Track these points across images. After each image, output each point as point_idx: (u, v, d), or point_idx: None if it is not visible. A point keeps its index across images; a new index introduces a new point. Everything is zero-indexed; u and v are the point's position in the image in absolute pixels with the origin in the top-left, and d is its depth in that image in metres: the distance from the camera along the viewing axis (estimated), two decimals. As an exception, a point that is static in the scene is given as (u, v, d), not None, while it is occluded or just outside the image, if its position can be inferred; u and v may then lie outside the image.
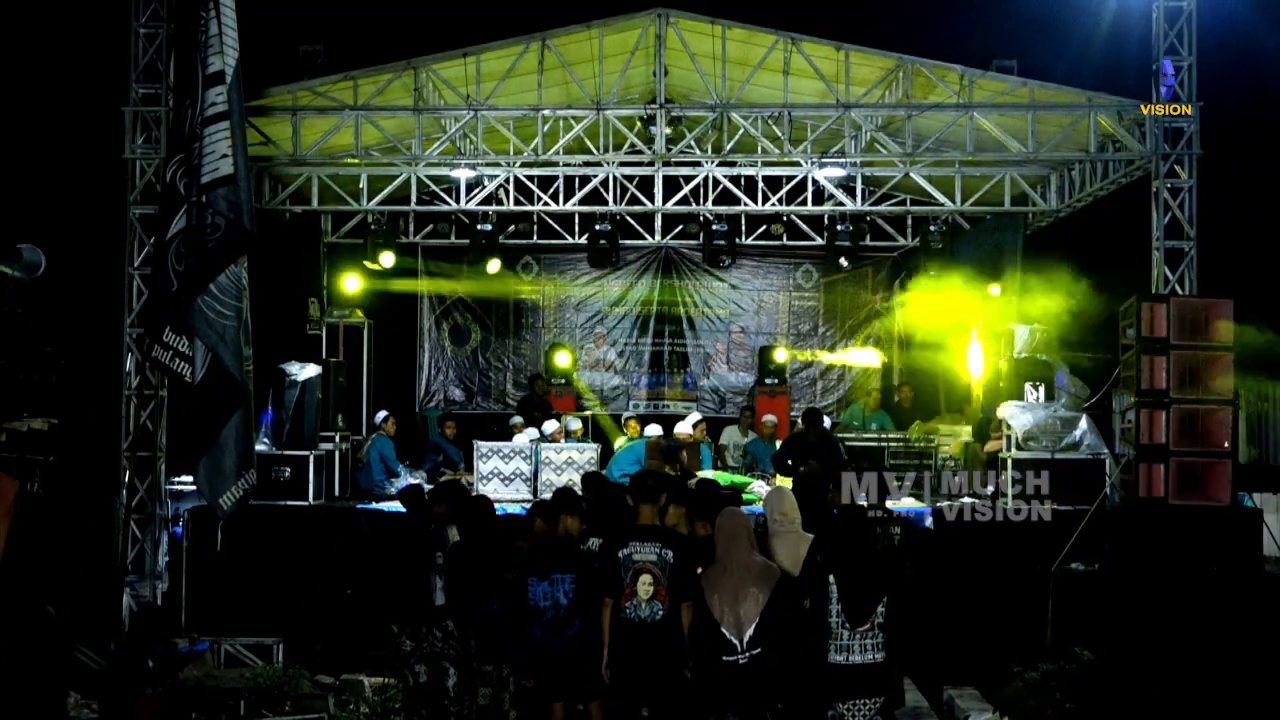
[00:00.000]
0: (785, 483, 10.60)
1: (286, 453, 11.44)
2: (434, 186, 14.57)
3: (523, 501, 10.98)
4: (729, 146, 12.64)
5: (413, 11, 15.76)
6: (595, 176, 14.39)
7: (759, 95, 12.84)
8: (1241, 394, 11.20)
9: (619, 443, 13.37)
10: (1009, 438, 11.23)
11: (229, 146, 8.59)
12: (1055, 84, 12.19)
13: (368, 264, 15.40)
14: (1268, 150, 14.33)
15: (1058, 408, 11.38)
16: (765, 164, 13.67)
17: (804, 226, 15.98)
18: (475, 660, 7.72)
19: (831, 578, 6.25)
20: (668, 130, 12.51)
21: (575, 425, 14.09)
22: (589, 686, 7.04)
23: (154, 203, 10.91)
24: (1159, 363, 10.29)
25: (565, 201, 14.63)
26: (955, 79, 12.22)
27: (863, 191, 14.26)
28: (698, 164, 13.60)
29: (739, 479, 11.65)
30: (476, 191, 14.66)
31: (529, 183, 14.87)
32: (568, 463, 11.75)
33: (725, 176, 14.06)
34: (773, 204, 14.50)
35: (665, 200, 14.24)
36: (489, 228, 14.43)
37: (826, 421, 13.72)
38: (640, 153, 12.79)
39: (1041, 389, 11.56)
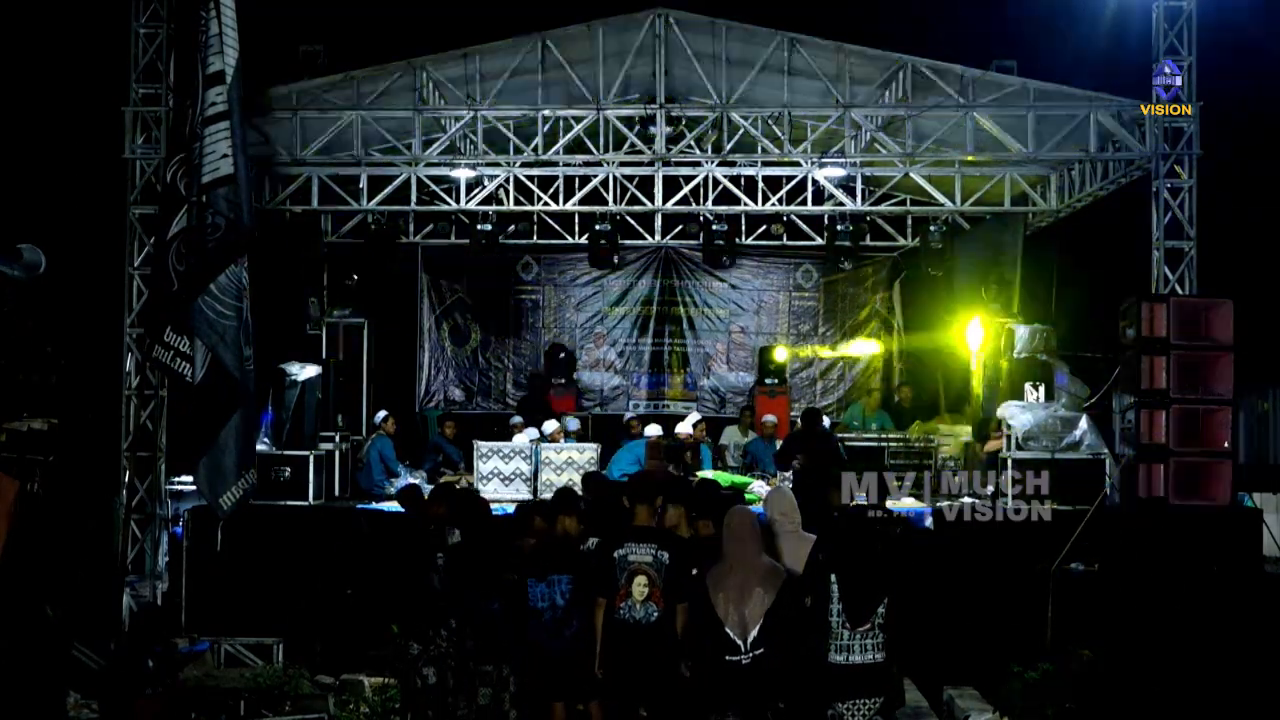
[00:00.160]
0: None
1: (286, 453, 11.43)
2: (434, 186, 14.56)
3: (531, 501, 10.97)
4: (729, 146, 12.63)
5: (413, 11, 15.78)
6: (595, 176, 14.38)
7: (759, 95, 12.83)
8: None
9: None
10: (1009, 438, 11.22)
11: (229, 146, 8.61)
12: (1055, 84, 12.18)
13: (368, 264, 15.40)
14: (1268, 150, 14.35)
15: (1058, 408, 11.38)
16: (765, 164, 13.67)
17: (804, 226, 15.97)
18: (475, 660, 7.72)
19: (833, 577, 6.25)
20: (668, 130, 12.51)
21: (574, 425, 14.10)
22: (588, 686, 7.04)
23: (154, 203, 10.91)
24: (1159, 363, 10.29)
25: (565, 201, 14.63)
26: (955, 79, 12.21)
27: (863, 191, 14.25)
28: (698, 164, 13.59)
29: (739, 479, 11.65)
30: (476, 191, 14.65)
31: (529, 183, 14.86)
32: (568, 463, 11.75)
33: (725, 176, 14.06)
34: (773, 204, 14.49)
35: (665, 200, 14.23)
36: (489, 228, 14.43)
37: (826, 421, 13.73)
38: (640, 153, 12.78)
39: (1041, 389, 11.56)
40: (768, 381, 16.17)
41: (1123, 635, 9.07)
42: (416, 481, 11.03)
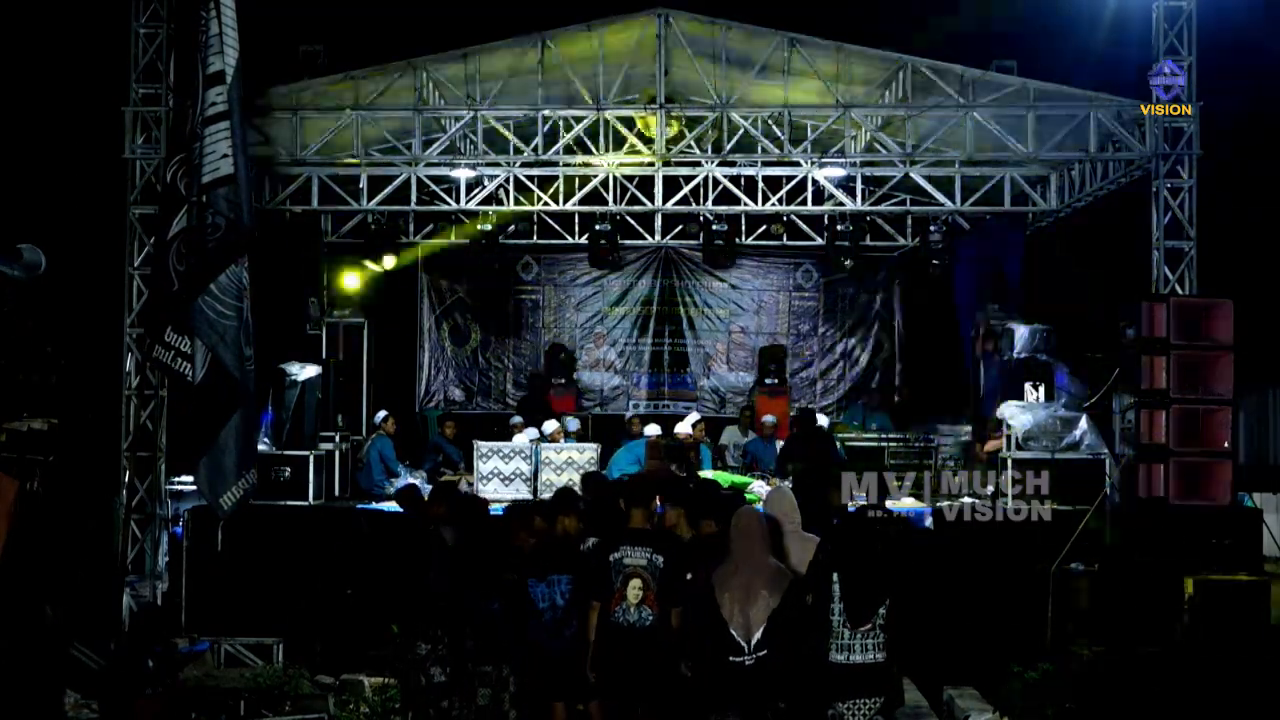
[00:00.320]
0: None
1: (286, 453, 11.45)
2: (434, 186, 14.56)
3: (532, 501, 10.97)
4: (729, 146, 12.63)
5: (413, 11, 15.78)
6: (595, 176, 14.38)
7: (759, 95, 12.83)
8: None
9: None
10: (1009, 438, 11.23)
11: (229, 146, 8.61)
12: (1055, 84, 12.17)
13: (368, 264, 15.41)
14: (1268, 150, 14.35)
15: (1058, 408, 11.39)
16: (765, 164, 13.65)
17: (804, 226, 15.97)
18: (474, 660, 7.72)
19: (835, 576, 6.24)
20: (668, 130, 12.51)
21: (574, 426, 14.10)
22: (589, 686, 7.04)
23: (154, 203, 10.90)
24: (1159, 363, 10.29)
25: (565, 201, 14.62)
26: (955, 79, 12.21)
27: (863, 191, 14.25)
28: (698, 164, 13.59)
29: (739, 479, 11.64)
30: (476, 191, 14.65)
31: (529, 183, 14.86)
32: (568, 463, 11.75)
33: (725, 176, 14.05)
34: (773, 204, 14.49)
35: (665, 200, 14.23)
36: (489, 228, 14.42)
37: (825, 421, 13.76)
38: (640, 153, 12.78)
39: (1041, 389, 11.57)
40: (768, 381, 16.18)
41: (1123, 635, 9.06)
42: (416, 481, 11.03)
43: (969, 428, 13.24)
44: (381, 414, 13.16)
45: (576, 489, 8.91)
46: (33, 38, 13.60)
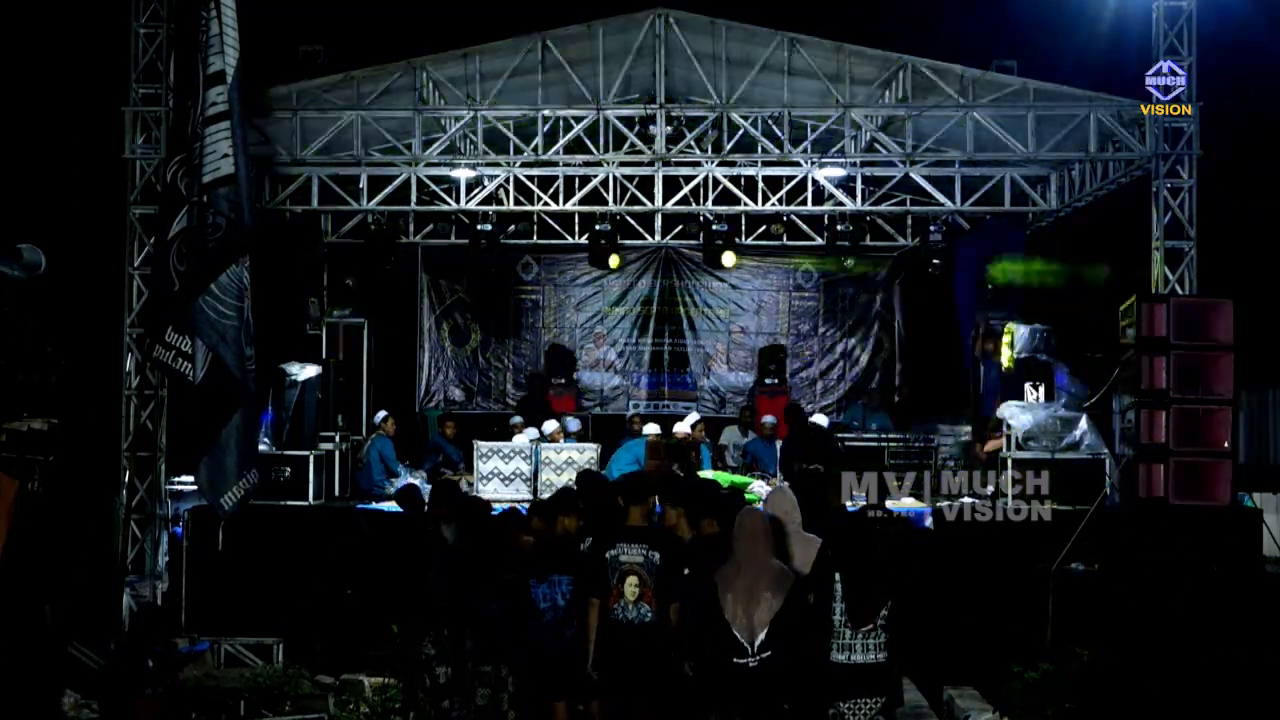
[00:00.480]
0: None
1: (286, 453, 11.45)
2: (434, 186, 14.56)
3: (522, 501, 10.98)
4: (729, 146, 12.64)
5: (412, 11, 15.77)
6: (595, 176, 14.38)
7: (759, 95, 12.83)
8: None
9: None
10: (1009, 438, 11.23)
11: (230, 146, 8.60)
12: (1055, 84, 12.18)
13: (368, 264, 15.39)
14: (1268, 150, 14.34)
15: (1058, 408, 11.38)
16: (765, 164, 13.66)
17: (804, 226, 15.98)
18: (474, 660, 7.72)
19: (837, 576, 6.24)
20: (668, 130, 12.52)
21: (575, 427, 14.10)
22: (590, 686, 7.04)
23: (154, 203, 10.91)
24: (1159, 363, 10.29)
25: (565, 201, 14.63)
26: (955, 79, 12.21)
27: (863, 191, 14.26)
28: (698, 164, 13.59)
29: (739, 479, 11.64)
30: (476, 191, 14.65)
31: (529, 183, 14.86)
32: (568, 463, 11.75)
33: (725, 176, 14.06)
34: (773, 204, 14.49)
35: (665, 200, 14.23)
36: (489, 228, 14.43)
37: (825, 420, 13.74)
38: (640, 153, 12.79)
39: (1041, 389, 11.57)
40: (768, 381, 16.19)
41: (1123, 635, 9.06)
42: (416, 481, 11.03)
43: (969, 428, 13.24)
44: (381, 414, 13.16)
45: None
46: (33, 38, 13.60)
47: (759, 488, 11.20)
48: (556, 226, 16.11)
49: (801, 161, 13.33)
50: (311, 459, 11.46)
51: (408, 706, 7.87)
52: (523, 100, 12.73)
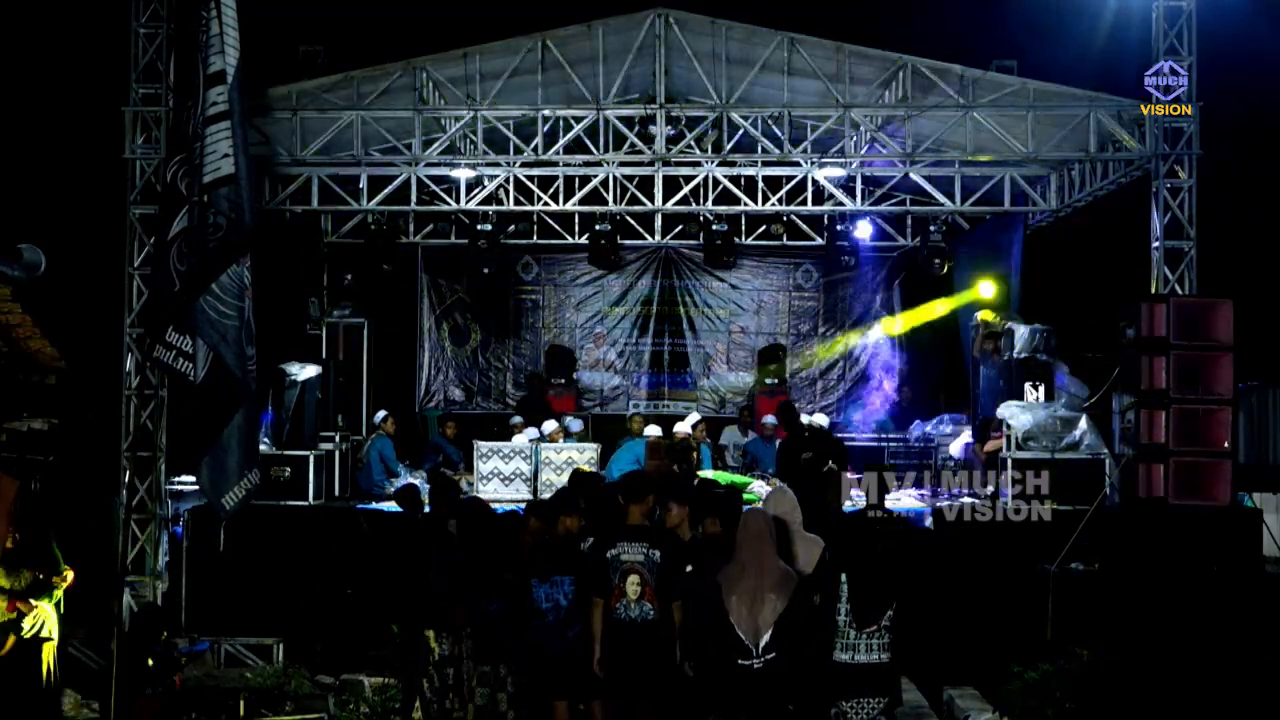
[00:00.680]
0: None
1: (286, 453, 11.46)
2: (434, 186, 14.56)
3: (522, 501, 10.98)
4: (729, 146, 12.63)
5: (412, 11, 15.77)
6: (595, 176, 14.38)
7: (759, 95, 12.83)
8: None
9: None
10: (1009, 438, 11.23)
11: (230, 146, 8.58)
12: (1055, 84, 12.17)
13: (368, 264, 15.37)
14: (1268, 150, 14.34)
15: (1058, 408, 11.38)
16: (765, 164, 13.66)
17: (804, 226, 15.97)
18: (474, 660, 7.72)
19: (843, 577, 6.24)
20: (668, 130, 12.52)
21: (577, 427, 14.10)
22: (590, 686, 7.05)
23: (154, 203, 10.90)
24: (1159, 363, 10.29)
25: (565, 201, 14.62)
26: (955, 79, 12.21)
27: (863, 191, 14.25)
28: (698, 164, 13.58)
29: (739, 479, 11.65)
30: (476, 191, 14.64)
31: (529, 183, 14.86)
32: (568, 463, 11.75)
33: (725, 176, 14.06)
34: (773, 204, 14.49)
35: (665, 200, 14.23)
36: (489, 228, 14.43)
37: (825, 420, 13.73)
38: (640, 153, 12.78)
39: (1041, 389, 11.56)
40: (768, 381, 16.18)
41: (1123, 635, 9.07)
42: (416, 481, 11.04)
43: (969, 428, 13.24)
44: (381, 414, 13.17)
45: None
46: (33, 38, 13.61)
47: (759, 488, 11.21)
48: (556, 226, 16.11)
49: (801, 161, 13.32)
50: (311, 459, 11.46)
51: (408, 706, 7.86)
52: (523, 100, 12.73)
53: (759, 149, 12.78)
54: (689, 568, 6.91)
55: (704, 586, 6.52)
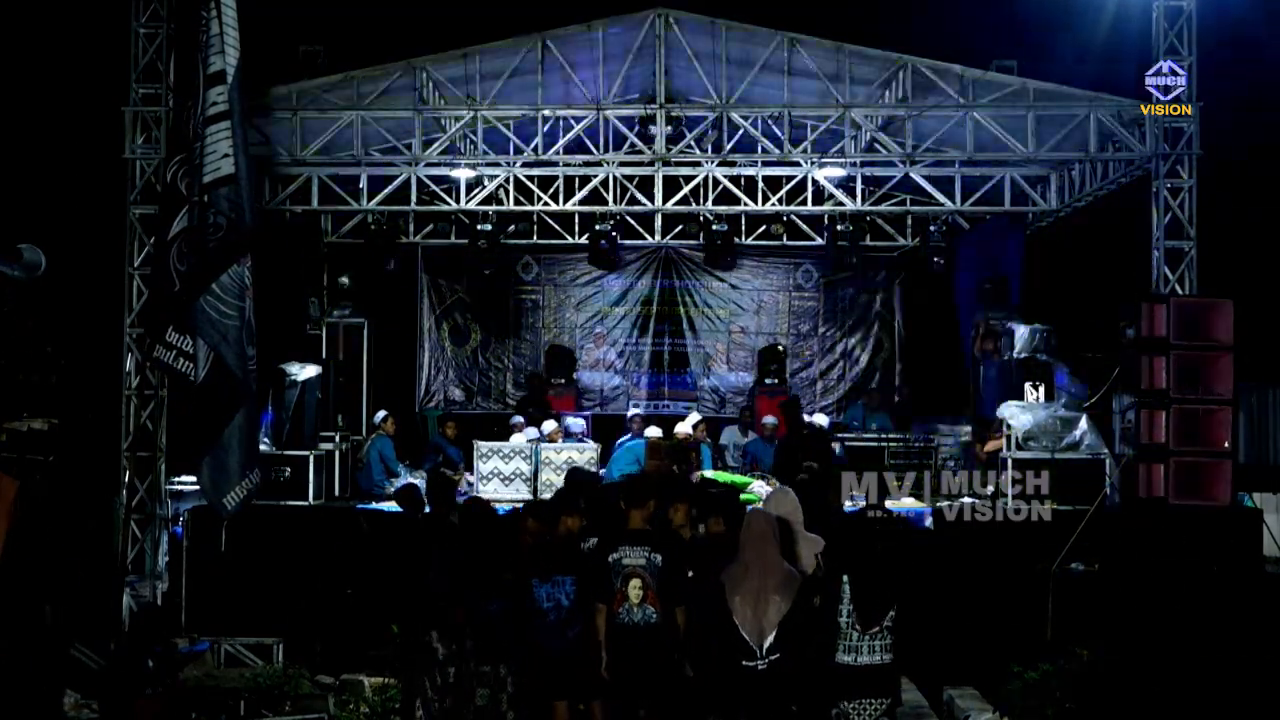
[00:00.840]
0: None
1: (286, 453, 11.45)
2: (434, 186, 14.56)
3: (522, 502, 10.98)
4: (729, 146, 12.63)
5: (412, 11, 15.76)
6: (595, 176, 14.38)
7: (759, 95, 12.83)
8: None
9: None
10: (1009, 438, 11.23)
11: (230, 146, 8.60)
12: (1055, 84, 12.18)
13: (368, 264, 15.36)
14: (1268, 150, 14.33)
15: (1058, 408, 11.39)
16: (765, 164, 13.66)
17: (804, 226, 15.97)
18: (474, 660, 7.72)
19: (845, 579, 6.23)
20: (668, 130, 12.52)
21: (579, 428, 14.09)
22: (591, 686, 7.04)
23: (154, 203, 10.91)
24: (1159, 363, 10.29)
25: (565, 201, 14.63)
26: (955, 79, 12.21)
27: (863, 191, 14.25)
28: (698, 164, 13.59)
29: (739, 479, 11.64)
30: (476, 191, 14.65)
31: (529, 183, 14.86)
32: (568, 463, 11.73)
33: (725, 176, 14.06)
34: (773, 204, 14.50)
35: (665, 200, 14.23)
36: (489, 228, 14.43)
37: (826, 421, 13.73)
38: (640, 153, 12.79)
39: (1041, 389, 11.57)
40: (768, 381, 16.17)
41: (1123, 635, 9.07)
42: (415, 481, 11.03)
43: (969, 428, 13.23)
44: (381, 414, 13.15)
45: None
46: (33, 38, 13.60)
47: (759, 488, 11.21)
48: (556, 226, 16.11)
49: (801, 161, 13.33)
50: (311, 459, 11.46)
51: (408, 706, 7.85)
52: (523, 100, 12.73)
53: (759, 149, 12.79)
54: (690, 573, 6.90)
55: (707, 588, 6.51)
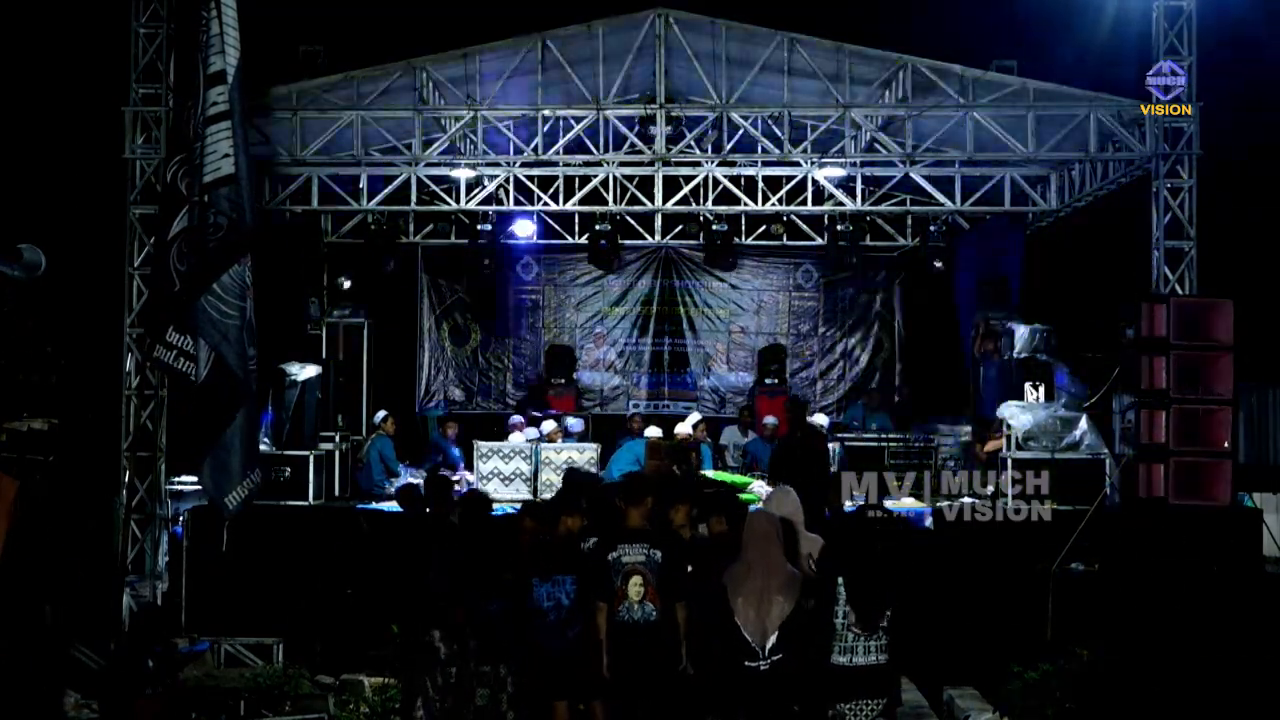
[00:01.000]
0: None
1: (286, 453, 11.45)
2: (434, 186, 14.56)
3: (521, 502, 10.98)
4: (729, 146, 12.63)
5: (412, 11, 15.76)
6: (595, 176, 14.38)
7: (759, 95, 12.83)
8: None
9: None
10: (1009, 438, 11.23)
11: (230, 146, 8.60)
12: (1055, 84, 12.18)
13: (368, 264, 15.36)
14: (1268, 150, 14.34)
15: (1058, 408, 11.39)
16: (765, 164, 13.66)
17: (804, 226, 15.97)
18: (475, 660, 7.72)
19: (840, 580, 6.23)
20: (668, 130, 12.52)
21: (578, 428, 14.09)
22: (591, 685, 7.04)
23: (154, 203, 10.91)
24: (1159, 363, 10.29)
25: (565, 201, 14.63)
26: (955, 79, 12.21)
27: (863, 191, 14.25)
28: (698, 164, 13.59)
29: (739, 479, 11.65)
30: (476, 191, 14.65)
31: (529, 183, 14.86)
32: (568, 463, 11.74)
33: (725, 176, 14.06)
34: (773, 204, 14.50)
35: (665, 200, 14.23)
36: (489, 228, 14.43)
37: (825, 420, 13.73)
38: (640, 153, 12.79)
39: (1041, 389, 11.57)
40: (768, 381, 16.18)
41: (1123, 635, 9.07)
42: (415, 481, 11.04)
43: (969, 428, 13.24)
44: (381, 414, 13.16)
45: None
46: (33, 38, 13.60)
47: (759, 488, 11.21)
48: (556, 226, 16.11)
49: (801, 161, 13.33)
50: (311, 459, 11.46)
51: (408, 706, 7.86)
52: (523, 100, 12.73)
53: (759, 149, 12.79)
54: (690, 568, 6.91)
55: (707, 587, 6.51)
